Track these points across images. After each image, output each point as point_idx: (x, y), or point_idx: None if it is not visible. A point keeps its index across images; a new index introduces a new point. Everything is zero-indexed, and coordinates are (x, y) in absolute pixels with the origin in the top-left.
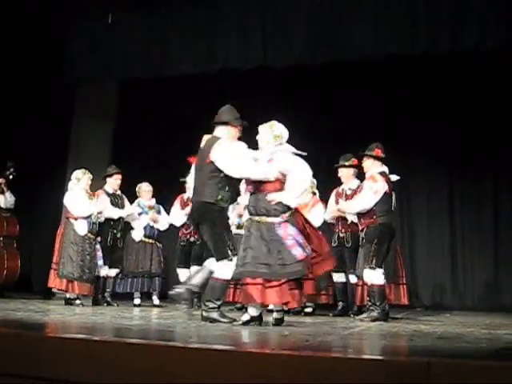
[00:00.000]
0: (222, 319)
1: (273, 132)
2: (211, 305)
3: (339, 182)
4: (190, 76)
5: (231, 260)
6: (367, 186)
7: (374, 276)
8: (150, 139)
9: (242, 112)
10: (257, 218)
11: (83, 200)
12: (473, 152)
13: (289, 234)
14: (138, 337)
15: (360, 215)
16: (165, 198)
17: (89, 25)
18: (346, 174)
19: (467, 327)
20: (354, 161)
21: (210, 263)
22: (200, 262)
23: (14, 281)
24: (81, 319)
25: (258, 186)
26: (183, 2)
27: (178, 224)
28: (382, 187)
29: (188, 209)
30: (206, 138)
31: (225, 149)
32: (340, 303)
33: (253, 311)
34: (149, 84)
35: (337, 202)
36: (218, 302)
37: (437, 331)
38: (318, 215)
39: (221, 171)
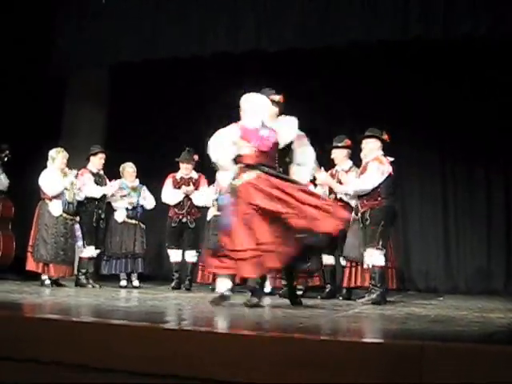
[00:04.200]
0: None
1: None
2: None
3: (332, 165)
4: (181, 60)
5: None
6: (374, 167)
7: (376, 257)
8: (143, 123)
9: (235, 96)
10: None
11: (55, 178)
12: (465, 138)
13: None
14: (136, 319)
15: (362, 197)
16: (156, 178)
17: (78, 9)
18: (339, 156)
19: (460, 311)
20: (347, 142)
21: None
22: (195, 247)
23: (8, 263)
24: (73, 301)
25: None
26: None
27: (172, 203)
28: (387, 169)
29: (185, 188)
30: None
31: None
32: (328, 286)
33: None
34: (140, 68)
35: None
36: None
37: (430, 314)
38: None
39: None
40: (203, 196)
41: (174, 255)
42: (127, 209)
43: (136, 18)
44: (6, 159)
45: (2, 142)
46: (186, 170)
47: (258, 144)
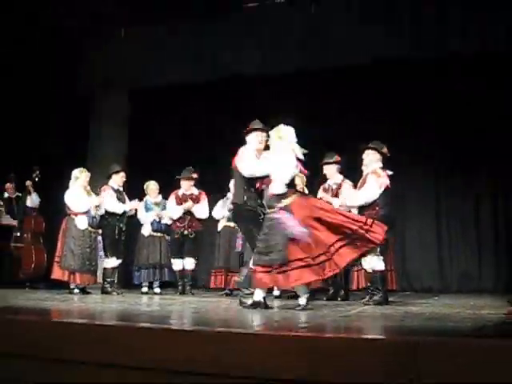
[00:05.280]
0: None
1: (276, 134)
2: (246, 291)
3: (324, 179)
4: (193, 85)
5: None
6: (372, 180)
7: (376, 263)
8: (161, 142)
9: (245, 117)
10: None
11: (81, 196)
12: (456, 151)
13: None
14: (154, 321)
15: (363, 207)
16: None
17: (103, 39)
18: (330, 171)
19: (453, 308)
20: (337, 158)
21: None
22: (193, 255)
23: (41, 273)
24: (102, 307)
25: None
26: (188, 17)
27: (174, 217)
28: (384, 181)
29: (185, 204)
30: None
31: (239, 154)
32: (330, 288)
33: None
34: (157, 93)
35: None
36: (252, 289)
37: (425, 312)
38: None
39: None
40: (204, 209)
41: (177, 264)
42: (152, 223)
43: (152, 48)
44: (36, 179)
45: (33, 164)
46: (186, 186)
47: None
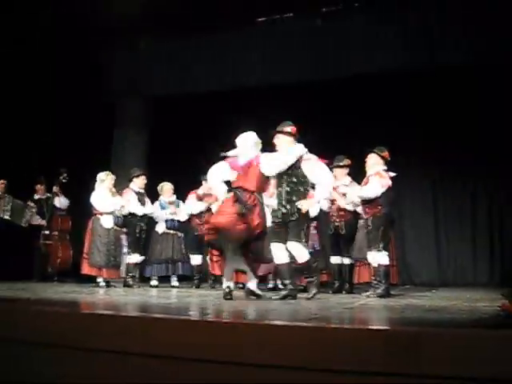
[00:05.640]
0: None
1: None
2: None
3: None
4: (206, 94)
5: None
6: (376, 180)
7: (381, 257)
8: (179, 147)
9: (256, 124)
10: None
11: (106, 197)
12: (453, 151)
13: None
14: (173, 313)
15: (366, 206)
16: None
17: (127, 50)
18: (340, 173)
19: (451, 301)
20: (347, 161)
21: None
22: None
23: (67, 267)
24: (126, 299)
25: None
26: (203, 31)
27: (194, 212)
28: (387, 182)
29: (210, 201)
30: None
31: None
32: (336, 282)
33: None
34: (179, 100)
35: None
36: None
37: (425, 305)
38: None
39: None
40: None
41: (195, 259)
42: (166, 221)
43: (175, 58)
44: (64, 181)
45: (61, 167)
46: (206, 187)
47: (239, 172)
